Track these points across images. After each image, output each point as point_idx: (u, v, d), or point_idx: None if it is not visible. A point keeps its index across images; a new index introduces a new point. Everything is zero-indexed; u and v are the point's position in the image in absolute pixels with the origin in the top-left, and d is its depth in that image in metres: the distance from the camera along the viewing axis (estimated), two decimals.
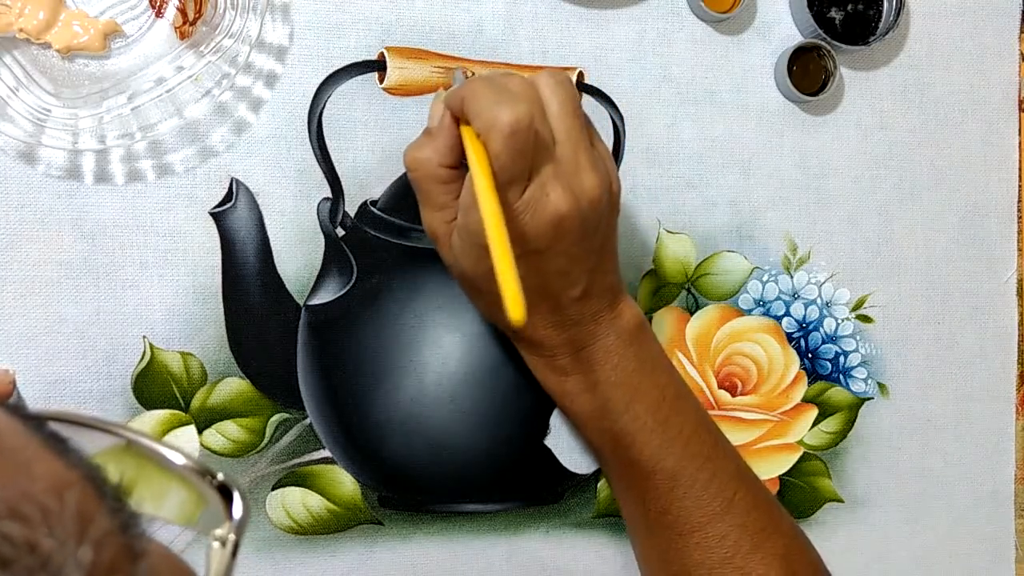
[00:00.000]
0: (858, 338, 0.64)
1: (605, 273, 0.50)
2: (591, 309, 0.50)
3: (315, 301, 0.58)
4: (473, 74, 0.59)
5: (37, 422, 0.27)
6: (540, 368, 0.52)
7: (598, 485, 0.61)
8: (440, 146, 0.48)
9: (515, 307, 0.40)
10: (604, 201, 0.48)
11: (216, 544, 0.30)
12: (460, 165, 0.48)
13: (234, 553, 0.30)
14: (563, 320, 0.50)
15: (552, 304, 0.49)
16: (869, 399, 0.64)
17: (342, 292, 0.58)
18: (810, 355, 0.64)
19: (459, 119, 0.47)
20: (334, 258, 0.58)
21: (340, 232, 0.59)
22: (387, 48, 0.59)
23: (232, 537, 0.30)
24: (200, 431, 0.58)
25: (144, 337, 0.57)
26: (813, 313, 0.64)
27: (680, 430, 0.51)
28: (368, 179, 0.59)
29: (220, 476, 0.31)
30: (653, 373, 0.52)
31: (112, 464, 0.29)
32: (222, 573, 0.30)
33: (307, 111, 0.58)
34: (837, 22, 0.63)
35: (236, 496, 0.31)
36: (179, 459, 0.31)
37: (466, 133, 0.45)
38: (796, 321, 0.64)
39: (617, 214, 0.51)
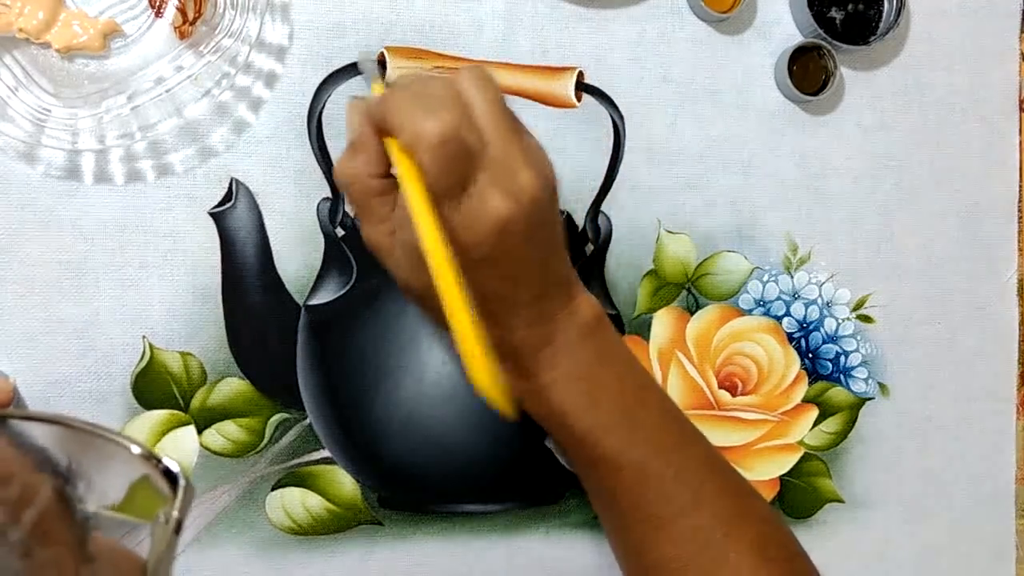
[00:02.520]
0: (859, 338, 0.64)
1: (555, 266, 0.49)
2: (546, 308, 0.49)
3: (315, 301, 0.58)
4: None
5: None
6: (502, 372, 0.51)
7: None
8: (368, 157, 0.46)
9: (480, 375, 0.39)
10: (545, 196, 0.46)
11: (161, 521, 0.31)
12: (391, 174, 0.46)
13: (177, 530, 0.31)
14: (520, 323, 0.48)
15: (506, 309, 0.48)
16: (870, 399, 0.64)
17: (342, 292, 0.58)
18: (810, 355, 0.64)
19: (381, 132, 0.45)
20: (334, 258, 0.58)
21: (340, 232, 0.59)
22: (387, 48, 0.59)
23: (175, 514, 0.31)
24: (200, 431, 0.58)
25: (144, 337, 0.57)
26: (813, 313, 0.64)
27: (644, 423, 0.51)
28: None
29: (165, 460, 0.32)
30: (612, 365, 0.51)
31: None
32: (163, 548, 0.31)
33: (307, 111, 0.58)
34: (837, 22, 0.63)
35: (179, 477, 0.32)
36: (132, 447, 0.32)
37: (392, 146, 0.44)
38: (796, 321, 0.64)
39: (558, 204, 0.49)
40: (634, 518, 0.51)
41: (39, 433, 0.31)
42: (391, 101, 0.44)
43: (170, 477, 0.32)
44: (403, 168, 0.43)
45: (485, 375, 0.39)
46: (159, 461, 0.32)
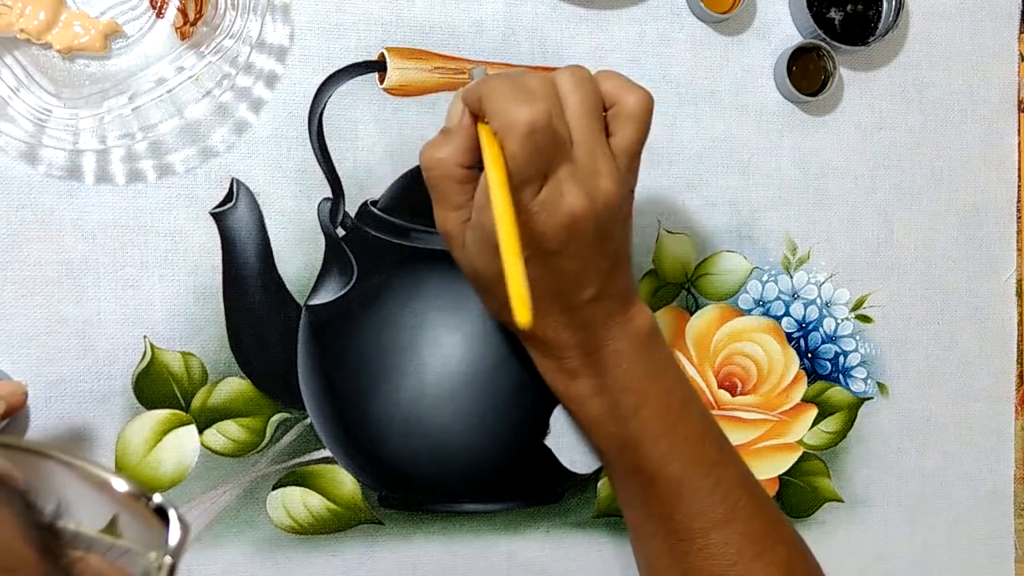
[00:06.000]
0: (858, 338, 0.64)
1: (618, 277, 0.50)
2: (603, 312, 0.50)
3: (315, 301, 0.58)
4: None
5: None
6: (549, 370, 0.52)
7: (598, 485, 0.62)
8: (458, 146, 0.47)
9: (521, 308, 0.39)
10: (618, 206, 0.47)
11: (153, 564, 0.29)
12: (477, 165, 0.47)
13: (170, 574, 0.30)
14: (575, 322, 0.49)
15: (564, 305, 0.49)
16: (869, 399, 0.65)
17: (342, 292, 0.58)
18: (810, 355, 0.64)
19: (477, 117, 0.46)
20: (334, 258, 0.58)
21: (340, 232, 0.59)
22: (387, 48, 0.59)
23: (168, 560, 0.30)
24: (201, 431, 0.58)
25: (145, 337, 0.57)
26: (813, 313, 0.64)
27: (686, 436, 0.51)
28: (368, 179, 0.59)
29: (156, 499, 0.30)
30: (662, 378, 0.52)
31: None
32: None
33: (307, 111, 0.59)
34: (836, 22, 0.63)
35: (172, 518, 0.30)
36: (119, 484, 0.31)
37: (483, 131, 0.45)
38: (796, 321, 0.64)
39: (631, 219, 0.51)
40: (666, 528, 0.52)
41: (16, 461, 0.30)
42: (489, 87, 0.45)
43: (161, 515, 0.30)
44: (490, 150, 0.43)
45: (525, 306, 0.39)
46: (149, 499, 0.30)
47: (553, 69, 0.48)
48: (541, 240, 0.46)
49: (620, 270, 0.50)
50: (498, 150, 0.44)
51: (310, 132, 0.59)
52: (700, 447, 0.52)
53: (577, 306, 0.49)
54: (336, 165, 0.59)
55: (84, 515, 0.30)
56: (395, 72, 0.59)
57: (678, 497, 0.51)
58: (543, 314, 0.49)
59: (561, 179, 0.45)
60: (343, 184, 0.59)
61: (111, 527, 0.31)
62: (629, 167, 0.49)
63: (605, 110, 0.48)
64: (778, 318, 0.64)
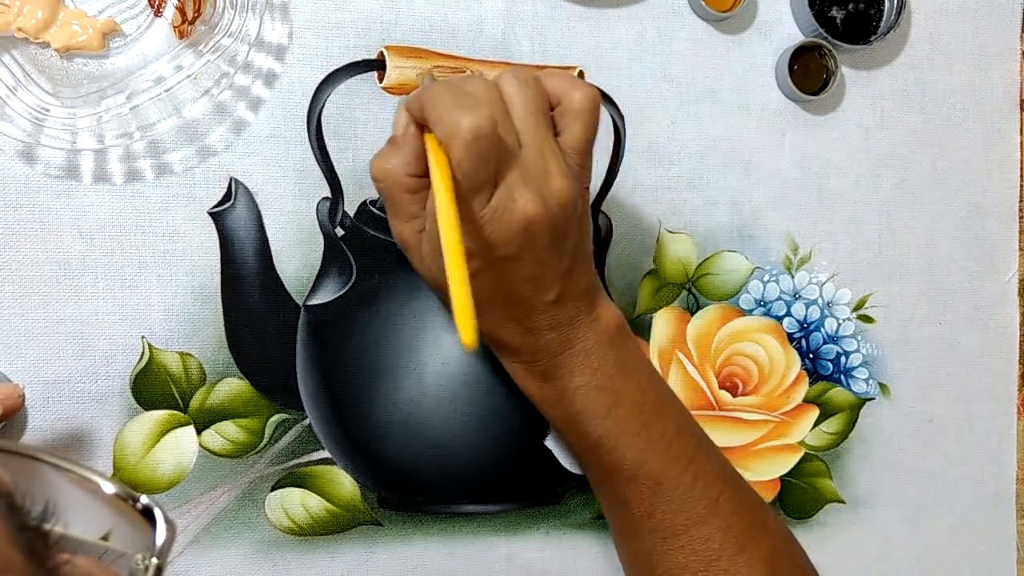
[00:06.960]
0: (859, 338, 0.64)
1: (580, 276, 0.49)
2: (567, 313, 0.49)
3: (314, 301, 0.58)
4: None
5: None
6: (519, 374, 0.51)
7: None
8: (406, 155, 0.46)
9: (466, 330, 0.38)
10: (573, 206, 0.46)
11: (140, 566, 0.30)
12: (427, 173, 0.46)
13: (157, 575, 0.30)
14: (539, 325, 0.49)
15: (527, 310, 0.48)
16: (870, 399, 0.64)
17: (341, 292, 0.58)
18: (811, 355, 0.64)
19: (423, 126, 0.46)
20: (333, 258, 0.58)
21: (339, 232, 0.58)
22: (386, 47, 0.59)
23: (154, 561, 0.30)
24: (199, 432, 0.57)
25: (143, 337, 0.57)
26: (814, 313, 0.64)
27: (662, 433, 0.51)
28: (367, 178, 0.59)
29: (143, 500, 0.31)
30: (634, 376, 0.51)
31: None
32: None
33: (306, 110, 0.58)
34: (838, 21, 0.63)
35: (158, 519, 0.30)
36: (107, 486, 0.31)
37: (429, 141, 0.44)
38: (797, 321, 0.63)
39: (588, 217, 0.50)
40: (646, 527, 0.51)
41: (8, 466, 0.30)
42: (430, 95, 0.44)
43: (149, 517, 0.30)
44: (435, 160, 0.43)
45: (470, 328, 0.39)
46: (136, 501, 0.31)
47: (546, 67, 0.47)
48: (496, 247, 0.45)
49: (581, 269, 0.49)
50: (444, 159, 0.43)
51: (309, 131, 0.58)
52: (677, 443, 0.51)
53: (540, 309, 0.48)
54: (335, 164, 0.58)
55: (73, 518, 0.30)
56: (394, 71, 0.59)
57: (657, 495, 0.50)
58: (507, 320, 0.48)
59: (511, 184, 0.44)
60: (342, 183, 0.59)
61: (106, 534, 0.31)
62: (581, 164, 0.48)
63: (552, 109, 0.48)
64: (779, 318, 0.63)
